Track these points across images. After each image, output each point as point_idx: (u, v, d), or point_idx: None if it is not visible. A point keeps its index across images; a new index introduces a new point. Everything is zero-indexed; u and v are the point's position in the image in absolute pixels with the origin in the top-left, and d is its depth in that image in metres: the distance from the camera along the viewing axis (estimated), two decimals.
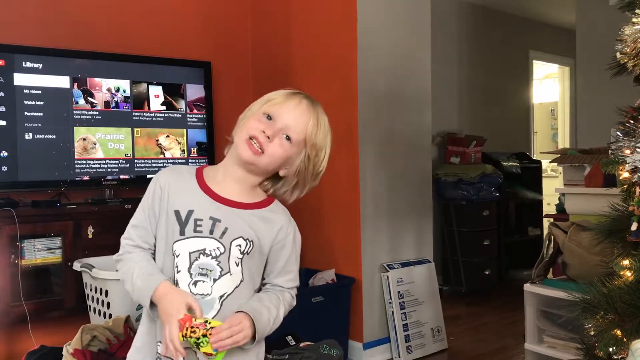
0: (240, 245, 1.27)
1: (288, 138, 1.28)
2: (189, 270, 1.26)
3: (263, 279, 1.38)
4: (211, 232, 1.27)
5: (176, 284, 1.26)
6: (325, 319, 2.99)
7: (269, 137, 1.26)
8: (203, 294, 1.26)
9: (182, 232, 1.27)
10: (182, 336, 1.19)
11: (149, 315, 1.30)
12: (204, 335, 1.18)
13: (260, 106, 1.30)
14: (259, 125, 1.26)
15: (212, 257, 1.26)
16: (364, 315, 3.15)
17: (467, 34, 5.35)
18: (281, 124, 1.27)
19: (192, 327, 1.19)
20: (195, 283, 1.26)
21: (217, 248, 1.26)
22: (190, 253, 1.26)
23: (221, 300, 1.27)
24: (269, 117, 1.28)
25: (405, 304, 3.22)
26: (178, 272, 1.26)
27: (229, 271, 1.27)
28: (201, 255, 1.26)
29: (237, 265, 1.28)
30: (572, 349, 2.01)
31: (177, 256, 1.27)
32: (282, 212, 1.38)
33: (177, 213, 1.28)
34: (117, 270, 1.35)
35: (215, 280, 1.26)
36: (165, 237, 1.29)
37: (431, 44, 3.56)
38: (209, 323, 1.20)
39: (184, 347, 1.21)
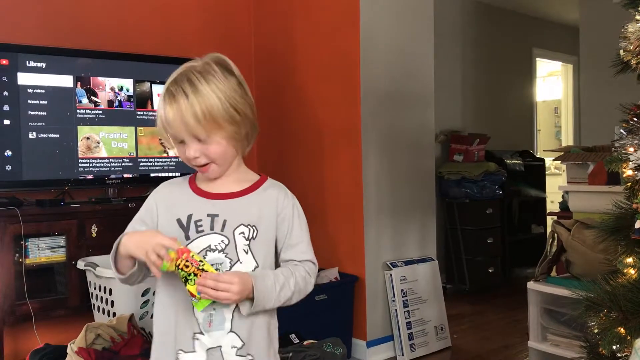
0: (243, 233, 1.29)
1: (201, 140, 1.24)
2: None
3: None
4: (212, 228, 1.29)
5: None
6: (328, 317, 2.99)
7: (197, 157, 1.25)
8: None
9: (187, 237, 1.29)
10: (175, 265, 1.19)
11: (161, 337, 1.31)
12: (195, 274, 1.18)
13: (162, 130, 1.27)
14: (183, 156, 1.27)
15: (219, 251, 1.28)
16: (368, 314, 3.16)
17: (470, 31, 5.34)
18: (188, 139, 1.24)
19: (186, 261, 1.18)
20: None
21: (221, 241, 1.28)
22: (197, 253, 1.27)
23: None
24: (177, 139, 1.26)
25: (409, 302, 3.22)
26: None
27: (239, 260, 1.28)
28: (208, 252, 1.27)
29: (247, 252, 1.29)
30: (575, 346, 2.01)
31: None
32: (277, 186, 1.39)
33: (179, 221, 1.30)
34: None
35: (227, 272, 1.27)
36: None
37: (434, 42, 3.56)
38: (203, 264, 1.20)
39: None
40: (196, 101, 1.20)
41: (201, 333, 1.27)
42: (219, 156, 1.26)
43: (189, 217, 1.30)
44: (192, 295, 1.20)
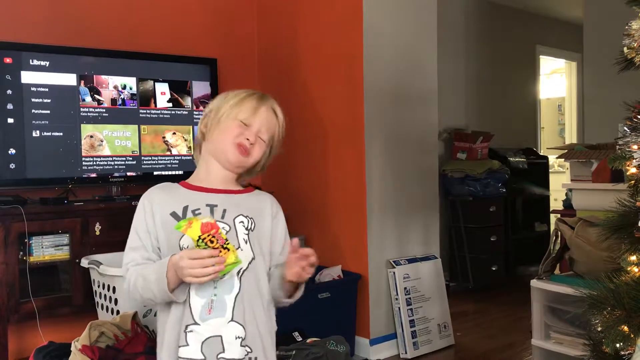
0: (243, 222, 1.35)
1: (262, 139, 1.42)
2: None
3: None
4: (212, 215, 1.32)
5: None
6: (331, 315, 2.99)
7: (251, 143, 1.40)
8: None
9: None
10: (199, 237, 1.19)
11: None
12: (221, 246, 1.20)
13: (230, 111, 1.41)
14: (241, 132, 1.39)
15: None
16: (371, 312, 3.16)
17: (474, 29, 5.33)
18: (257, 129, 1.41)
19: (213, 237, 1.20)
20: None
21: (222, 228, 1.29)
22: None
23: (239, 276, 1.31)
24: (244, 124, 1.40)
25: (412, 300, 3.22)
26: None
27: (239, 247, 1.32)
28: None
29: (246, 242, 1.33)
30: (579, 345, 2.01)
31: (186, 249, 1.29)
32: (267, 194, 1.50)
33: (174, 214, 1.33)
34: (131, 296, 1.34)
35: None
36: (167, 240, 1.32)
37: (437, 40, 3.55)
38: (228, 243, 1.21)
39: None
40: (281, 126, 1.47)
41: (196, 324, 1.27)
42: (255, 155, 1.41)
43: (185, 208, 1.33)
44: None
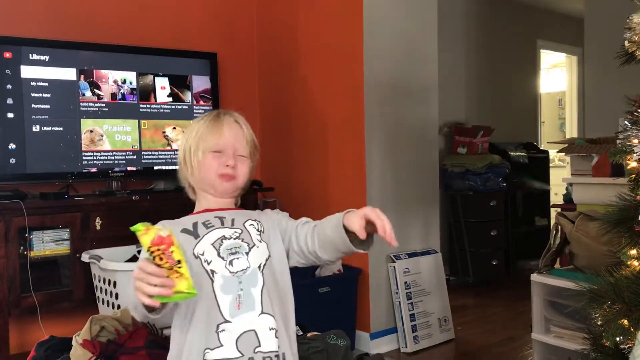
0: (253, 224, 1.35)
1: (242, 156, 1.42)
2: (219, 255, 1.28)
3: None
4: (222, 224, 1.34)
5: (213, 274, 1.26)
6: (332, 310, 2.99)
7: (233, 166, 1.39)
8: (243, 269, 1.27)
9: (196, 236, 1.31)
10: (149, 250, 1.07)
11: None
12: (170, 268, 1.07)
13: (197, 147, 1.40)
14: (218, 162, 1.38)
15: (235, 238, 1.31)
16: (371, 306, 3.16)
17: (475, 23, 5.32)
18: (231, 150, 1.40)
19: (163, 253, 1.07)
20: (231, 262, 1.27)
21: (235, 231, 1.32)
22: (211, 244, 1.29)
23: (261, 270, 1.29)
24: (217, 152, 1.39)
25: (412, 294, 3.23)
26: (209, 263, 1.27)
27: (255, 245, 1.32)
28: (223, 241, 1.30)
29: (260, 241, 1.33)
30: (579, 338, 2.01)
31: (202, 255, 1.28)
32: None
33: (185, 230, 1.32)
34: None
35: (247, 253, 1.29)
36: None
37: (438, 34, 3.54)
38: (180, 266, 1.08)
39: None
40: (248, 131, 1.45)
41: (227, 322, 1.23)
42: (242, 175, 1.40)
43: (195, 224, 1.33)
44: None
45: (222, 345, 1.22)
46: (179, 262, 1.08)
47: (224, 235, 1.30)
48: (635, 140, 1.56)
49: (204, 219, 1.35)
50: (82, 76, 3.05)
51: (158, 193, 3.17)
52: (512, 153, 5.20)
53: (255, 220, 1.37)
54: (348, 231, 1.26)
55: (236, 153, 1.40)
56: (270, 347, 1.24)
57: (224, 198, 1.42)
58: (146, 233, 1.07)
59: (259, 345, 1.23)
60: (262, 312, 1.25)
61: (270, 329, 1.25)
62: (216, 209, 1.40)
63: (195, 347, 1.23)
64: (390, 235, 1.23)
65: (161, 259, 1.07)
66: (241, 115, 1.47)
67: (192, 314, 1.25)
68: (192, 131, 1.43)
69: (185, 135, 1.45)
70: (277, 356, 1.25)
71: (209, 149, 1.38)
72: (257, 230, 1.35)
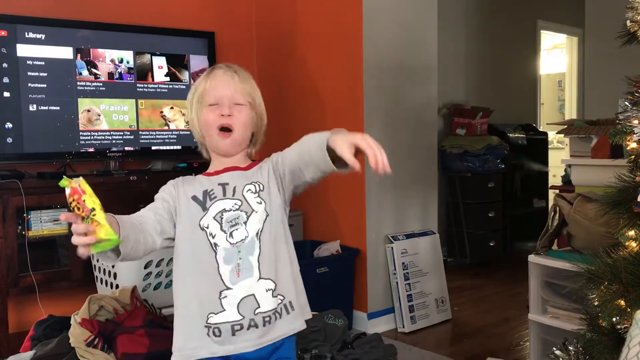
0: (250, 189, 1.38)
1: (239, 104, 1.42)
2: (221, 229, 1.34)
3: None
4: (224, 194, 1.37)
5: (216, 246, 1.33)
6: (330, 290, 3.01)
7: (229, 115, 1.40)
8: (242, 239, 1.34)
9: (204, 208, 1.36)
10: (69, 202, 1.10)
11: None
12: (87, 217, 1.09)
13: (198, 101, 1.43)
14: (214, 114, 1.40)
15: (234, 210, 1.35)
16: (369, 286, 3.18)
17: (474, 4, 5.27)
18: (227, 100, 1.41)
19: (78, 203, 1.09)
20: (231, 234, 1.34)
21: (235, 204, 1.36)
22: (213, 217, 1.35)
23: (258, 236, 1.35)
24: (212, 104, 1.41)
25: (410, 274, 3.24)
26: (214, 236, 1.34)
27: (254, 210, 1.36)
28: (224, 213, 1.35)
29: (259, 203, 1.37)
30: (575, 319, 2.02)
31: (207, 228, 1.35)
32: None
33: (194, 198, 1.38)
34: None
35: (245, 222, 1.34)
36: (189, 219, 1.36)
37: (438, 14, 3.51)
38: (94, 213, 1.09)
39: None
40: (243, 77, 1.45)
41: (228, 288, 1.31)
42: (240, 125, 1.41)
43: (204, 192, 1.38)
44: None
45: (224, 310, 1.31)
46: (92, 209, 1.10)
47: (224, 208, 1.35)
48: (636, 121, 1.55)
49: (209, 187, 1.39)
50: (78, 55, 3.03)
51: (156, 173, 3.16)
52: (511, 134, 5.19)
53: (253, 183, 1.39)
54: (330, 150, 1.28)
55: (232, 102, 1.41)
56: (269, 307, 1.33)
57: (228, 157, 1.44)
58: (68, 186, 1.11)
59: (259, 307, 1.32)
60: (260, 278, 1.34)
61: (267, 290, 1.33)
62: (222, 170, 1.42)
63: (199, 313, 1.32)
64: (383, 165, 1.24)
65: (79, 209, 1.10)
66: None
67: (198, 284, 1.33)
68: (191, 92, 1.46)
69: (188, 97, 1.47)
70: (275, 312, 1.34)
71: (205, 103, 1.41)
72: (255, 192, 1.38)
